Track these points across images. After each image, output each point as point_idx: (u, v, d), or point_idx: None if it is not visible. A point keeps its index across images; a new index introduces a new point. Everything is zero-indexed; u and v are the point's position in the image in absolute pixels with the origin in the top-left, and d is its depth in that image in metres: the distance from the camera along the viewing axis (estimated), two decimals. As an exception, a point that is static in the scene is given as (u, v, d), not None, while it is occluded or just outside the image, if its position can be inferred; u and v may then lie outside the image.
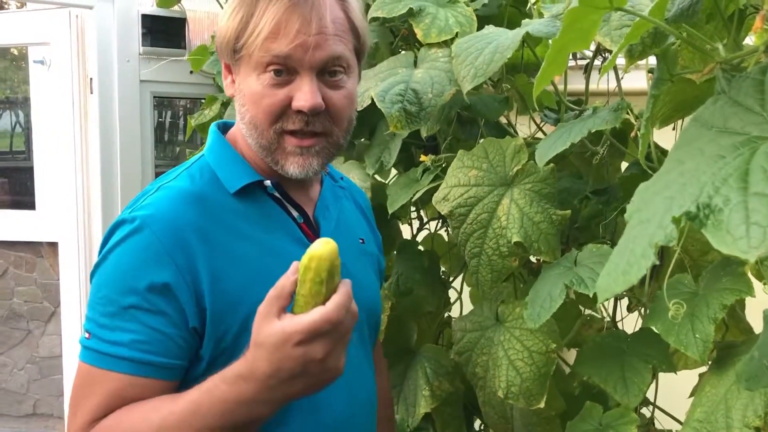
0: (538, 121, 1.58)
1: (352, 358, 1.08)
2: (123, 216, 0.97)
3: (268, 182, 1.03)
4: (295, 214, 1.06)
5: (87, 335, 0.92)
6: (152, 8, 2.40)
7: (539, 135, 1.57)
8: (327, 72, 0.97)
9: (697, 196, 0.55)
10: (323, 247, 0.80)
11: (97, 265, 0.95)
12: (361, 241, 1.19)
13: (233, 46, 0.97)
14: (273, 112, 0.96)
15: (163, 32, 2.38)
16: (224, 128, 1.11)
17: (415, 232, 1.81)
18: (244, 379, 0.82)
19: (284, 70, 0.95)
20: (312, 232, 1.07)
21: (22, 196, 3.67)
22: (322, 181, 1.15)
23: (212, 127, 1.10)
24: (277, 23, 0.93)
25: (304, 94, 0.94)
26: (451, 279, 1.79)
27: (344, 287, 0.83)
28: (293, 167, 0.98)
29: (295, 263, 0.83)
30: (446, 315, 1.79)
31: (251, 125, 0.98)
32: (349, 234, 1.16)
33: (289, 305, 0.82)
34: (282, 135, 0.97)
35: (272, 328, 0.80)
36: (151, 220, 0.93)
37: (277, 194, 1.04)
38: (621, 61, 1.06)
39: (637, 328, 1.31)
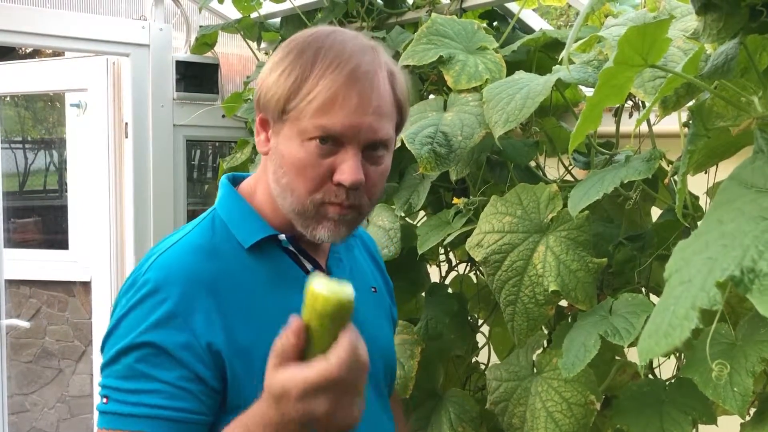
0: (567, 163, 1.58)
1: (368, 411, 1.05)
2: (135, 276, 0.96)
3: (282, 236, 1.02)
4: (308, 266, 1.05)
5: (104, 400, 0.91)
6: (186, 55, 2.46)
7: (567, 177, 1.57)
8: (370, 147, 0.97)
9: (740, 260, 0.55)
10: (326, 289, 0.76)
11: (112, 329, 0.94)
12: (373, 290, 1.19)
13: (283, 106, 0.95)
14: (314, 182, 0.95)
15: (197, 78, 2.43)
16: (234, 180, 1.10)
17: (444, 275, 1.81)
18: (258, 424, 0.82)
19: (331, 141, 0.94)
20: None
21: (54, 234, 3.74)
22: None
23: (223, 179, 1.09)
24: (334, 95, 0.92)
25: (349, 168, 0.94)
26: (479, 323, 1.79)
27: (346, 339, 0.77)
28: (324, 232, 0.97)
29: (293, 318, 0.79)
30: (473, 359, 1.78)
31: (288, 189, 0.97)
32: (362, 284, 1.15)
33: (291, 359, 0.78)
34: (323, 205, 0.97)
35: (274, 379, 0.78)
36: (165, 282, 0.92)
37: (291, 248, 1.04)
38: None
39: (673, 372, 1.29)
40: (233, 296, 0.96)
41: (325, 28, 1.01)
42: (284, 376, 0.77)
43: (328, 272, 1.08)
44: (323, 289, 0.76)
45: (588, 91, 1.67)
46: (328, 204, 0.96)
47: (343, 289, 0.76)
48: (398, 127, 1.03)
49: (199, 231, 1.02)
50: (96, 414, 0.94)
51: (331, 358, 0.76)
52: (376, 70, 0.96)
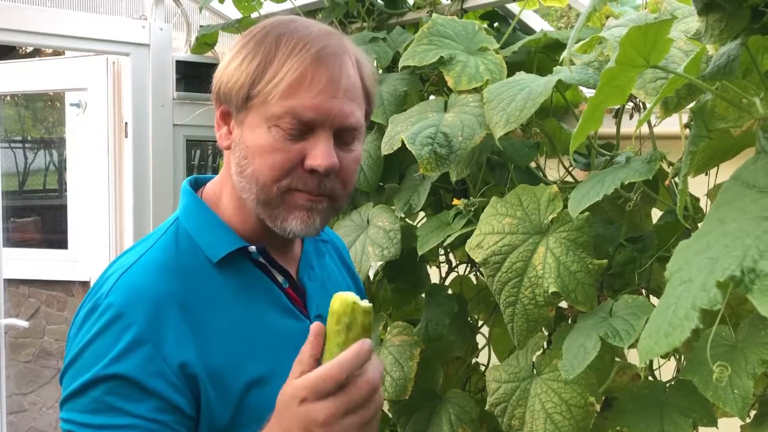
0: (567, 164, 1.58)
1: None
2: (96, 299, 0.89)
3: (252, 248, 0.96)
4: (280, 279, 1.00)
5: None
6: (186, 54, 2.46)
7: (568, 178, 1.57)
8: (341, 134, 0.92)
9: (741, 260, 0.55)
10: (338, 301, 0.82)
11: (73, 359, 0.87)
12: None
13: (247, 92, 0.90)
14: (283, 168, 0.89)
15: (197, 77, 2.43)
16: (196, 184, 1.04)
17: (444, 276, 1.81)
18: None
19: (300, 126, 0.89)
20: (298, 295, 1.02)
21: (54, 234, 3.74)
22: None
23: (184, 185, 1.03)
24: (302, 75, 0.88)
25: (322, 153, 0.89)
26: (479, 324, 1.78)
27: (356, 346, 0.78)
28: (295, 223, 0.92)
29: (313, 324, 0.82)
30: (473, 361, 1.78)
31: (252, 179, 0.91)
32: (335, 291, 1.12)
33: (307, 367, 0.80)
34: (289, 192, 0.91)
35: (287, 386, 0.80)
36: (129, 306, 0.86)
37: (261, 260, 0.98)
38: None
39: (673, 374, 1.29)
40: (203, 315, 0.90)
41: (284, 17, 0.96)
42: (297, 379, 0.79)
43: (300, 283, 1.04)
44: (342, 293, 0.82)
45: (589, 92, 1.66)
46: (296, 191, 0.91)
47: (360, 299, 0.81)
48: (367, 116, 0.98)
49: (162, 245, 0.95)
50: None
51: (333, 360, 0.77)
52: (343, 54, 0.92)
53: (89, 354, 0.85)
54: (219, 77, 0.95)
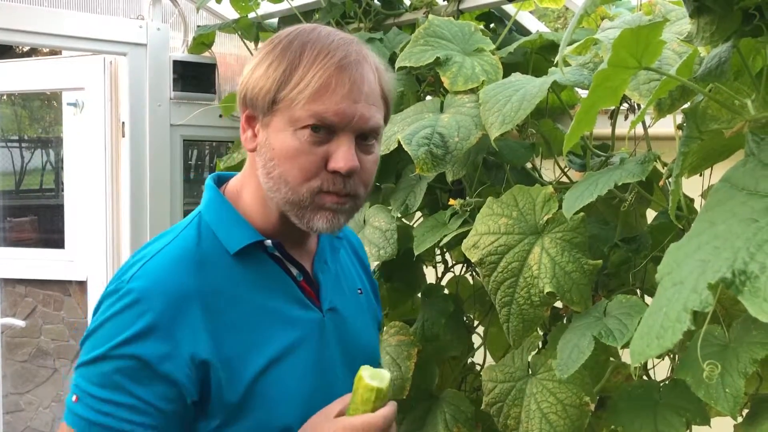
0: (563, 165, 1.59)
1: None
2: (119, 283, 0.94)
3: (268, 242, 1.01)
4: (294, 272, 1.05)
5: (74, 398, 0.91)
6: (183, 54, 2.46)
7: (563, 179, 1.58)
8: (362, 136, 0.98)
9: (732, 262, 0.56)
10: (362, 382, 0.95)
11: (91, 333, 0.93)
12: (359, 291, 1.19)
13: (273, 97, 0.95)
14: (309, 170, 0.95)
15: (194, 77, 2.43)
16: (219, 180, 1.09)
17: (440, 276, 1.82)
18: None
19: (324, 130, 0.94)
20: (311, 288, 1.06)
21: (50, 233, 3.73)
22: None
23: (208, 181, 1.08)
24: (326, 82, 0.93)
25: (344, 155, 0.94)
26: (475, 324, 1.79)
27: (392, 406, 0.96)
28: (321, 222, 0.97)
29: None
30: (469, 360, 1.78)
31: (281, 181, 0.96)
32: (348, 286, 1.16)
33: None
34: (318, 194, 0.96)
35: (326, 420, 0.94)
36: (148, 293, 0.91)
37: (277, 254, 1.02)
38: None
39: (667, 373, 1.30)
40: (220, 307, 0.95)
41: (307, 25, 1.02)
42: (344, 420, 0.95)
43: (315, 278, 1.08)
44: (367, 370, 0.97)
45: (584, 94, 1.67)
46: (325, 193, 0.96)
47: (382, 377, 0.96)
48: (385, 120, 1.03)
49: (185, 237, 1.00)
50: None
51: (378, 411, 0.96)
52: (363, 61, 0.97)
53: (104, 331, 0.91)
54: (245, 83, 1.00)
